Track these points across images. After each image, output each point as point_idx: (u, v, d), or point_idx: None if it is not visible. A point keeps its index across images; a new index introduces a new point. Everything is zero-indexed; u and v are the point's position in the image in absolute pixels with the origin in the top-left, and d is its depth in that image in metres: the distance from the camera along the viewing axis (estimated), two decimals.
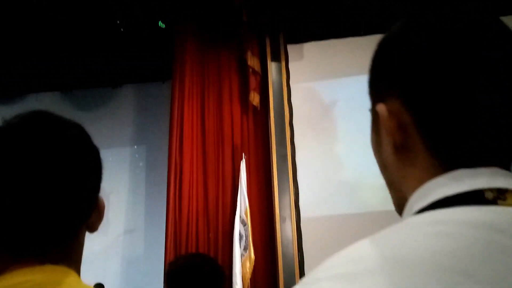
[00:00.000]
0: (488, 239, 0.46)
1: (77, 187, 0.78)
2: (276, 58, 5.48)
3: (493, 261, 0.45)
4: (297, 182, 5.07)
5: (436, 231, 0.48)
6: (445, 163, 0.55)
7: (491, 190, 0.51)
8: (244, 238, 4.61)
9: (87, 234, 0.84)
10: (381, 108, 0.59)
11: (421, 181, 0.56)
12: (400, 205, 0.61)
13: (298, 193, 5.03)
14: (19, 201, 0.72)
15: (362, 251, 0.49)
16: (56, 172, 0.75)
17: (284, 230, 4.88)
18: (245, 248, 4.58)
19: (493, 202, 0.50)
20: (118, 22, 5.51)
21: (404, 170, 0.59)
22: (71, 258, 0.79)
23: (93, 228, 0.84)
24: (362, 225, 4.79)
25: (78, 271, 0.79)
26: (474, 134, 0.54)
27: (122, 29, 5.59)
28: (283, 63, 5.46)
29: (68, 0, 5.07)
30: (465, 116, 0.54)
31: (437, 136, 0.56)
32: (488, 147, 0.55)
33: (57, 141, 0.77)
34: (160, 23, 5.53)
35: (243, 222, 4.67)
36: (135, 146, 6.32)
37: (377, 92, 0.62)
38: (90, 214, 0.82)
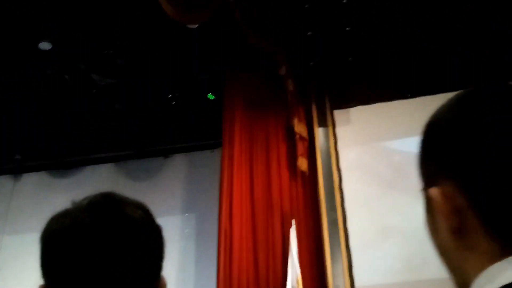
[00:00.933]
0: None
1: (145, 266, 0.81)
2: (322, 123, 5.52)
3: None
4: (349, 248, 4.91)
5: None
6: (507, 247, 0.53)
7: None
8: None
9: None
10: (435, 192, 0.59)
11: (484, 265, 0.54)
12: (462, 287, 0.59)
13: (351, 260, 4.87)
14: (93, 282, 0.76)
15: None
16: (123, 253, 0.78)
17: None
18: None
19: None
20: (169, 95, 5.79)
21: (463, 254, 0.58)
22: None
23: None
24: None
25: None
26: None
27: (173, 102, 5.85)
28: (330, 128, 5.49)
29: (123, 75, 5.37)
30: None
31: (495, 219, 0.54)
32: None
33: (124, 222, 0.81)
34: (209, 95, 5.75)
35: None
36: (186, 215, 6.38)
37: (428, 173, 0.62)
38: None
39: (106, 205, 0.84)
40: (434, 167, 0.61)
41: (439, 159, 0.60)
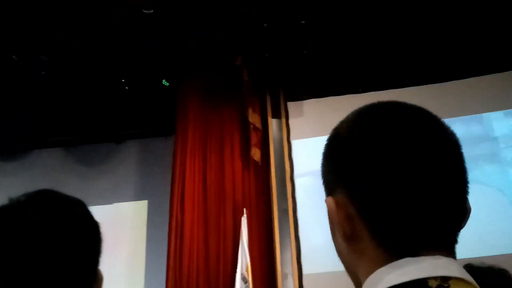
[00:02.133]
0: None
1: (80, 261, 0.84)
2: (276, 114, 5.60)
3: None
4: (298, 237, 5.03)
5: None
6: (390, 252, 0.58)
7: (435, 278, 0.54)
8: None
9: None
10: (329, 201, 0.64)
11: (370, 270, 0.59)
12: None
13: (300, 249, 4.99)
14: (29, 273, 0.78)
15: None
16: (60, 248, 0.81)
17: (286, 287, 4.80)
18: None
19: None
20: (123, 80, 5.68)
21: (355, 258, 0.62)
22: None
23: None
24: None
25: None
26: (412, 222, 0.58)
27: (126, 87, 5.75)
28: (284, 120, 5.58)
29: (74, 58, 5.23)
30: (402, 207, 0.57)
31: (379, 227, 0.59)
32: (430, 234, 0.58)
33: (61, 219, 0.84)
34: (164, 81, 5.70)
35: (244, 279, 4.61)
36: (137, 202, 6.32)
37: (327, 185, 0.67)
38: (92, 286, 0.88)
39: (44, 201, 0.86)
40: (331, 178, 0.66)
41: (336, 170, 0.65)
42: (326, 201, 0.65)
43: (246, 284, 4.56)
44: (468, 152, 0.65)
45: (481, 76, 5.29)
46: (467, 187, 0.62)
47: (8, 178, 6.27)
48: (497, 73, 5.26)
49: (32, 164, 6.49)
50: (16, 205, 0.85)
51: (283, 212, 5.10)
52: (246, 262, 4.66)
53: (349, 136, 0.64)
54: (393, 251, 0.58)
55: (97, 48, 5.15)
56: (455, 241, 0.61)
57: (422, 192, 0.58)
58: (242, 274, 4.63)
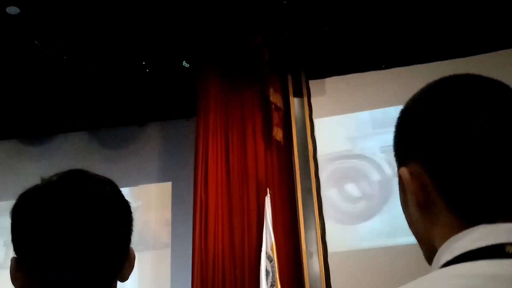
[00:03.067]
0: None
1: (112, 240, 0.85)
2: (298, 93, 5.54)
3: None
4: (323, 216, 5.02)
5: (459, 284, 0.51)
6: (465, 219, 0.59)
7: (511, 244, 0.54)
8: (270, 274, 4.56)
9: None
10: (404, 171, 0.65)
11: (445, 236, 0.60)
12: (429, 256, 0.65)
13: (324, 228, 4.98)
14: (59, 257, 0.79)
15: None
16: (92, 228, 0.81)
17: (311, 266, 4.81)
18: (272, 285, 4.52)
19: None
20: (143, 63, 5.68)
21: (429, 226, 0.64)
22: None
23: (124, 278, 0.90)
24: (389, 259, 4.69)
25: None
26: (489, 191, 0.58)
27: (147, 70, 5.75)
28: (305, 98, 5.52)
29: (95, 41, 5.25)
30: (479, 176, 0.58)
31: (454, 195, 0.60)
32: (505, 202, 0.58)
33: (92, 199, 0.84)
34: (184, 63, 5.68)
35: (269, 258, 4.63)
36: (161, 183, 6.39)
37: (400, 156, 0.69)
38: (123, 265, 0.89)
39: (76, 181, 0.86)
40: (404, 149, 0.68)
41: (409, 141, 0.67)
42: (400, 171, 0.66)
43: (272, 263, 4.59)
44: None
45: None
46: None
47: (34, 163, 6.39)
48: None
49: (57, 148, 6.59)
50: (49, 185, 0.85)
51: (307, 191, 5.09)
52: (271, 241, 4.67)
53: (425, 106, 0.66)
54: (469, 218, 0.59)
55: (118, 30, 5.15)
56: None
57: (498, 161, 0.58)
58: (267, 253, 4.65)
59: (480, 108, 0.61)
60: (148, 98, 6.21)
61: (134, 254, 0.92)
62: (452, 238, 0.59)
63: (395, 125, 0.71)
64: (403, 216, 0.71)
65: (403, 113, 0.70)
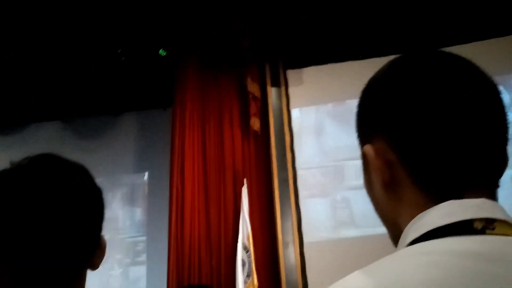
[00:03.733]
0: (477, 268, 0.48)
1: (83, 228, 0.82)
2: (275, 83, 5.53)
3: None
4: (299, 206, 5.05)
5: (426, 261, 0.50)
6: (432, 196, 0.58)
7: (479, 220, 0.53)
8: (247, 264, 4.56)
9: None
10: (368, 148, 0.64)
11: (412, 215, 0.58)
12: (395, 238, 0.63)
13: (300, 218, 5.01)
14: (28, 242, 0.76)
15: (357, 283, 0.51)
16: (62, 214, 0.78)
17: (287, 256, 4.84)
18: (248, 275, 4.53)
19: (481, 231, 0.52)
20: (119, 50, 5.58)
21: (395, 205, 0.62)
22: None
23: (95, 266, 0.88)
24: (366, 248, 4.72)
25: None
26: (456, 165, 0.57)
27: (123, 58, 5.65)
28: (283, 88, 5.51)
29: (69, 28, 5.12)
30: (446, 149, 0.57)
31: (420, 171, 0.59)
32: (473, 176, 0.58)
33: (62, 184, 0.81)
34: (161, 51, 5.60)
35: (245, 248, 4.64)
36: (138, 174, 6.32)
37: (364, 134, 0.67)
38: (94, 253, 0.87)
39: (47, 165, 0.83)
40: (368, 127, 0.66)
41: (372, 118, 0.65)
42: (364, 148, 0.64)
43: (248, 253, 4.59)
44: None
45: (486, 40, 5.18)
46: (508, 135, 0.61)
47: (6, 152, 6.23)
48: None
49: (30, 137, 6.45)
50: (18, 168, 0.82)
51: (284, 181, 5.09)
52: (247, 231, 4.68)
53: (388, 82, 0.64)
54: (436, 194, 0.57)
55: (92, 17, 5.03)
56: (497, 185, 0.60)
57: (464, 134, 0.57)
58: (243, 243, 4.66)
59: (445, 82, 0.59)
60: (123, 87, 6.11)
61: (105, 242, 0.89)
62: (418, 215, 0.57)
63: (357, 104, 0.70)
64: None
65: (365, 91, 0.69)
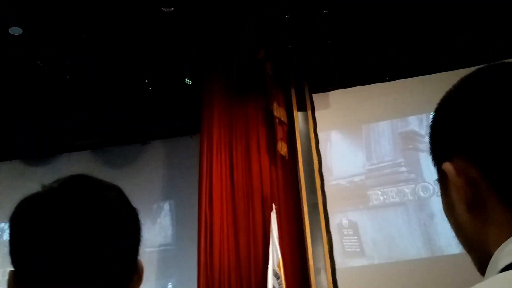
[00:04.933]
0: None
1: (119, 251, 0.77)
2: (302, 107, 5.51)
3: None
4: (330, 231, 4.95)
5: None
6: None
7: None
8: None
9: None
10: (448, 166, 0.59)
11: (502, 236, 0.54)
12: (482, 263, 0.58)
13: (331, 243, 4.91)
14: (65, 266, 0.71)
15: None
16: (96, 237, 0.74)
17: (319, 282, 4.74)
18: None
19: None
20: (146, 81, 5.68)
21: (480, 227, 0.58)
22: None
23: None
24: (399, 275, 4.61)
25: None
26: None
27: (150, 88, 5.75)
28: (309, 112, 5.49)
29: (97, 60, 5.25)
30: None
31: (507, 187, 0.55)
32: None
33: (98, 205, 0.77)
34: (186, 80, 5.67)
35: (276, 275, 4.55)
36: (165, 202, 6.34)
37: (439, 153, 0.63)
38: (132, 278, 0.82)
39: (78, 186, 0.79)
40: (446, 144, 0.62)
41: (451, 135, 0.61)
42: (444, 166, 0.60)
43: (279, 280, 4.51)
44: None
45: None
46: None
47: (37, 183, 6.30)
48: None
49: (60, 168, 6.56)
50: (49, 191, 0.77)
51: (313, 206, 5.02)
52: (278, 257, 4.60)
53: (466, 98, 0.61)
54: None
55: (119, 49, 5.15)
56: None
57: None
58: (274, 270, 4.58)
59: None
60: (151, 116, 6.20)
61: (142, 266, 0.84)
62: (510, 239, 0.53)
63: (430, 124, 0.66)
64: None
65: (438, 110, 0.65)
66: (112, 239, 0.76)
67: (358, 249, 4.93)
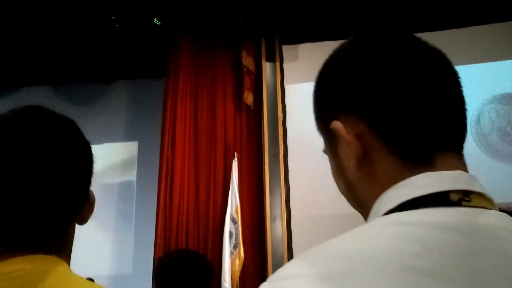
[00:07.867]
0: (452, 241, 0.48)
1: (69, 180, 0.79)
2: (271, 58, 5.49)
3: (457, 262, 0.46)
4: (288, 181, 5.08)
5: (400, 231, 0.49)
6: (407, 165, 0.57)
7: (456, 192, 0.53)
8: (234, 236, 4.62)
9: (77, 227, 0.86)
10: (337, 124, 0.61)
11: (386, 186, 0.57)
12: (368, 214, 0.61)
13: (289, 193, 5.04)
14: (13, 193, 0.74)
15: (331, 251, 0.50)
16: (49, 166, 0.76)
17: (275, 229, 4.89)
18: (235, 246, 4.59)
19: (457, 203, 0.52)
20: (113, 17, 5.49)
21: (370, 181, 0.60)
22: (62, 249, 0.81)
23: (83, 221, 0.86)
24: (353, 225, 4.80)
25: (68, 261, 0.81)
26: (425, 126, 0.57)
27: (117, 25, 5.57)
28: (278, 63, 5.47)
29: None
30: (414, 113, 0.57)
31: (392, 134, 0.58)
32: (443, 136, 0.58)
33: (50, 135, 0.78)
34: (155, 20, 5.52)
35: (233, 220, 4.68)
36: (127, 142, 6.30)
37: (327, 116, 0.64)
38: (81, 207, 0.84)
39: (33, 116, 0.80)
40: (331, 105, 0.64)
41: (336, 95, 0.63)
42: (333, 125, 0.61)
43: (236, 225, 4.64)
44: None
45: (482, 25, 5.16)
46: (465, 105, 0.61)
47: None
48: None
49: (19, 101, 6.33)
50: (3, 119, 0.78)
51: (274, 156, 5.12)
52: (236, 204, 4.72)
53: (345, 61, 0.64)
54: (409, 160, 0.57)
55: None
56: (463, 147, 0.61)
57: (430, 100, 0.58)
58: (231, 215, 4.70)
59: (408, 54, 0.60)
60: (116, 54, 6.04)
61: (94, 196, 0.87)
62: (394, 186, 0.56)
63: (314, 91, 0.68)
64: None
65: (320, 77, 0.67)
66: (65, 168, 0.78)
67: (314, 200, 5.08)
